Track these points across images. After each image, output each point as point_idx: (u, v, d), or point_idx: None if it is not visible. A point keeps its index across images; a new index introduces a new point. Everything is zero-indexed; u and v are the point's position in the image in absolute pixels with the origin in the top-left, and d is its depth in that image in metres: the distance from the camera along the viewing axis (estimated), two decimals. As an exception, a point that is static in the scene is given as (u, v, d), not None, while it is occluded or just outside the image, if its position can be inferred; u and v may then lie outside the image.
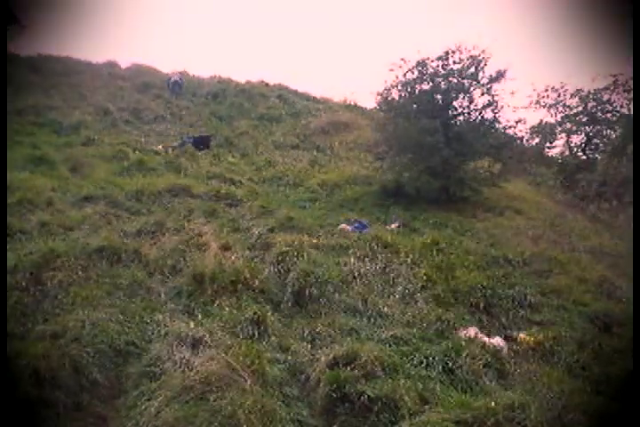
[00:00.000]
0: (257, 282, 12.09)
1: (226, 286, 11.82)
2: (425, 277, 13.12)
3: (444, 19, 72.60)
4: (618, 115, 26.03)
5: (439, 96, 19.63)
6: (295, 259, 12.92)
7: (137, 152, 21.60)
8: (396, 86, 19.91)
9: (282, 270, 12.66)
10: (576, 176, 24.80)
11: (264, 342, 10.38)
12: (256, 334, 10.58)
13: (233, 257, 12.90)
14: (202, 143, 23.79)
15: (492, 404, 8.43)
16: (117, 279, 11.88)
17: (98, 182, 17.86)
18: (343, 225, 16.14)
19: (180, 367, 9.18)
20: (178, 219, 15.41)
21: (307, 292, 12.00)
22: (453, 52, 19.44)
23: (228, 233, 14.84)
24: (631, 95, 25.36)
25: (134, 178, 18.69)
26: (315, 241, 14.37)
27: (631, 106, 25.58)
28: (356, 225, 16.18)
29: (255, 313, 10.84)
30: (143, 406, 8.45)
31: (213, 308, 11.30)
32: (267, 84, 33.91)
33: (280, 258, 13.00)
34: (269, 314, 11.11)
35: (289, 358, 10.09)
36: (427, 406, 8.85)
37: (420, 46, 23.58)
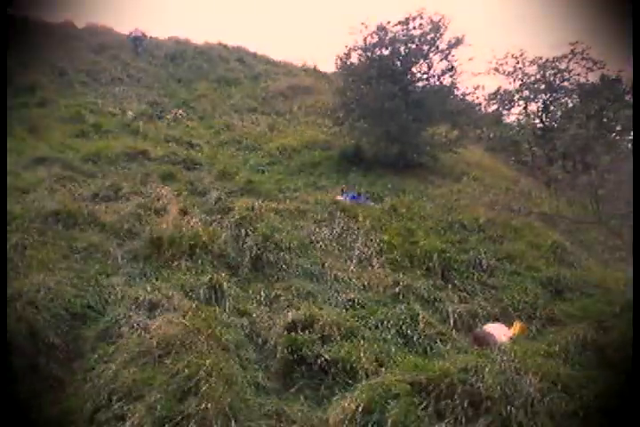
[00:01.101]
0: (215, 246, 12.09)
1: (183, 249, 11.80)
2: (382, 242, 13.24)
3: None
4: (575, 83, 26.23)
5: (398, 61, 19.57)
6: (254, 223, 12.93)
7: (94, 114, 21.26)
8: (356, 51, 19.82)
9: (240, 235, 12.67)
10: (534, 142, 25.03)
11: (221, 306, 10.42)
12: (213, 298, 10.62)
13: (191, 221, 12.86)
14: None
15: (446, 366, 8.59)
16: (73, 243, 11.77)
17: (54, 145, 17.59)
18: (338, 197, 15.93)
19: (137, 331, 9.19)
20: (135, 182, 15.27)
21: (265, 256, 12.05)
22: (414, 17, 19.36)
23: (186, 197, 14.76)
24: (589, 64, 25.56)
25: (91, 141, 18.43)
26: (273, 205, 14.37)
27: (589, 75, 25.80)
28: (351, 197, 16.05)
29: (212, 277, 10.87)
30: (100, 369, 8.47)
31: (171, 272, 11.29)
32: (225, 47, 33.43)
33: (239, 222, 13.00)
34: (227, 278, 11.15)
35: (246, 321, 10.16)
36: (382, 369, 9.01)
37: (381, 10, 23.42)
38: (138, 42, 30.04)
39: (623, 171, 15.42)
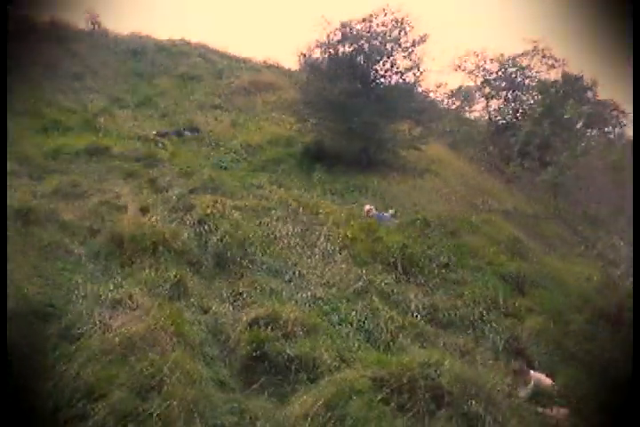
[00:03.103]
0: (177, 244, 12.05)
1: (145, 247, 11.73)
2: (345, 238, 13.30)
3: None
4: (536, 80, 26.52)
5: (362, 58, 19.63)
6: (217, 220, 12.91)
7: (53, 110, 20.99)
8: (319, 47, 19.84)
9: (203, 232, 12.65)
10: (495, 138, 25.29)
11: (185, 304, 10.41)
12: (176, 295, 10.60)
13: (152, 218, 12.80)
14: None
15: (407, 361, 8.69)
16: (33, 240, 11.65)
17: (11, 140, 17.35)
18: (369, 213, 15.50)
19: (99, 329, 9.13)
20: (96, 179, 15.14)
21: (228, 253, 12.05)
22: (378, 14, 19.44)
23: (148, 194, 14.68)
24: (550, 62, 25.89)
25: (51, 137, 18.21)
26: (236, 202, 14.36)
27: (551, 72, 26.11)
28: (379, 215, 15.54)
29: (175, 275, 10.84)
30: (62, 368, 8.40)
31: (133, 269, 11.22)
32: (188, 43, 33.24)
33: (201, 219, 12.97)
34: (190, 275, 11.14)
35: (210, 318, 10.16)
36: (345, 365, 9.09)
37: (345, 8, 23.46)
38: None
39: (581, 168, 15.73)
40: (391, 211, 15.63)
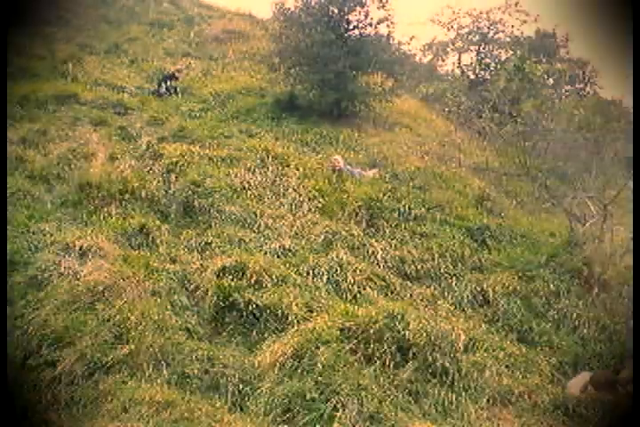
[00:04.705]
0: (145, 192, 11.99)
1: (113, 195, 11.68)
2: (314, 190, 13.30)
3: None
4: (509, 36, 26.45)
5: (335, 8, 19.37)
6: (185, 169, 12.85)
7: (21, 56, 20.49)
8: (293, -4, 19.53)
9: (171, 181, 12.59)
10: (467, 93, 25.25)
11: (153, 253, 10.42)
12: (144, 244, 10.61)
13: (121, 166, 12.69)
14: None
15: (374, 312, 8.81)
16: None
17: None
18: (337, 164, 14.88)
19: (67, 277, 9.13)
20: (64, 127, 14.92)
21: (196, 202, 12.03)
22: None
23: (117, 142, 14.52)
24: (523, 17, 25.76)
25: (18, 84, 17.83)
26: (205, 152, 14.25)
27: (523, 27, 26.02)
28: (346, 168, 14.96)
29: (143, 223, 10.82)
30: (30, 316, 8.42)
31: (100, 217, 11.19)
32: (159, -12, 32.45)
33: (170, 168, 12.90)
34: (158, 224, 11.12)
35: (178, 268, 10.19)
36: (313, 315, 9.19)
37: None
38: None
39: (549, 124, 15.78)
40: (374, 170, 15.51)
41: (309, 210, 12.71)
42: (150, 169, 13.13)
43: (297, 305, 9.32)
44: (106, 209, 11.40)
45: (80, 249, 9.80)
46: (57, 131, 14.45)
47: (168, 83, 19.95)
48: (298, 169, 14.04)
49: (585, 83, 29.51)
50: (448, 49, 28.06)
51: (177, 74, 20.54)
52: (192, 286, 9.85)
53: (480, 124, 18.53)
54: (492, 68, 26.26)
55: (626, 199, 12.45)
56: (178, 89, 19.93)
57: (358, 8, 19.40)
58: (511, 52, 25.28)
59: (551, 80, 25.01)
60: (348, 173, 14.55)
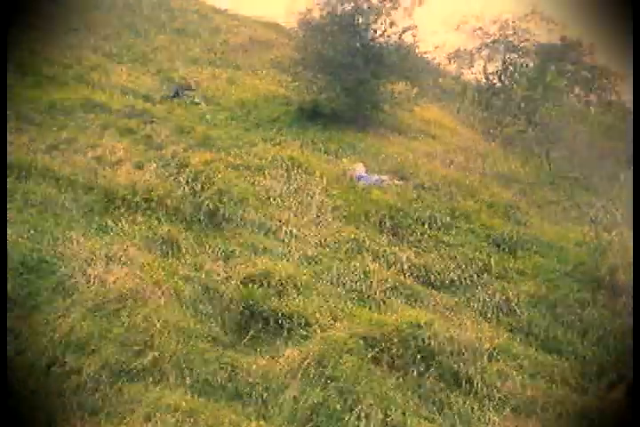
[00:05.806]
0: (171, 200, 12.05)
1: (139, 203, 11.75)
2: (338, 198, 13.30)
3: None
4: (535, 44, 26.25)
5: (360, 17, 19.43)
6: (211, 178, 12.89)
7: (48, 65, 20.70)
8: (318, 5, 19.61)
9: (197, 189, 12.64)
10: (492, 101, 25.11)
11: (178, 261, 10.46)
12: (170, 252, 10.65)
13: (146, 175, 12.77)
14: None
15: (399, 321, 8.78)
16: (28, 196, 11.63)
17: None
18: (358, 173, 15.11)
19: (93, 284, 9.19)
20: (91, 135, 15.04)
21: (221, 211, 12.06)
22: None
23: (143, 151, 14.61)
24: (550, 26, 25.57)
25: (46, 92, 18.01)
26: (230, 160, 14.30)
27: (549, 36, 25.80)
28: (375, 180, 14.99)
29: (169, 231, 10.87)
30: (56, 323, 8.48)
31: (126, 226, 11.24)
32: (185, -1, 32.69)
33: (195, 177, 12.94)
34: (184, 232, 11.17)
35: (203, 276, 10.22)
36: (337, 323, 9.18)
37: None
38: None
39: (575, 132, 15.67)
40: (384, 176, 15.42)
41: (334, 218, 12.72)
42: (176, 178, 13.18)
43: (321, 313, 9.33)
44: (131, 217, 11.45)
45: (106, 257, 9.86)
46: (84, 139, 14.55)
47: (180, 93, 20.12)
48: (322, 177, 14.06)
49: (609, 91, 29.18)
50: (473, 58, 27.90)
51: (191, 84, 20.73)
52: (217, 294, 9.87)
53: (504, 133, 18.45)
54: (516, 76, 26.07)
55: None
56: (196, 98, 20.06)
57: (383, 16, 19.44)
58: (537, 61, 25.07)
59: (578, 88, 24.79)
60: (370, 182, 14.56)
